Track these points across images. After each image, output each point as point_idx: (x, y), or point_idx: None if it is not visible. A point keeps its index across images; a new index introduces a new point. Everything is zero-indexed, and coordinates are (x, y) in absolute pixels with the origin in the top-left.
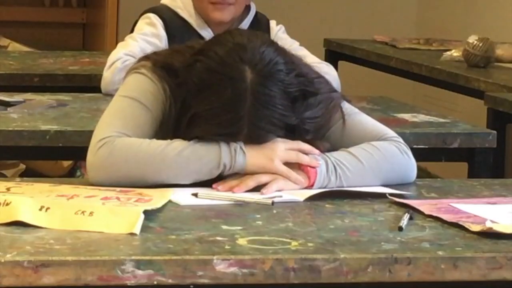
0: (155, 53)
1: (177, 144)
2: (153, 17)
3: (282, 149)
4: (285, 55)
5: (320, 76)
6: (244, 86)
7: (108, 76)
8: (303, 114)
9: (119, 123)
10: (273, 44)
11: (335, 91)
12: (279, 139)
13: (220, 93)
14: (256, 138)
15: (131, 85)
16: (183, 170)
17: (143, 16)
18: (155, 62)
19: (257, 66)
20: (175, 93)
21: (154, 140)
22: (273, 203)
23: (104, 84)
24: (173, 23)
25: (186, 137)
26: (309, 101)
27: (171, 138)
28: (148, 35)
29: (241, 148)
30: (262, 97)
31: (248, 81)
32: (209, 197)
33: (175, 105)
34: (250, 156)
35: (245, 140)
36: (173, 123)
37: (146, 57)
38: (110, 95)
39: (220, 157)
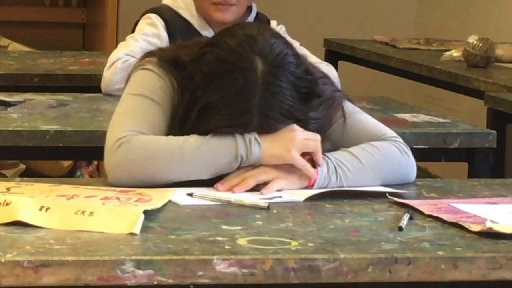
0: (160, 49)
1: (194, 140)
2: (154, 17)
3: (301, 138)
4: (293, 49)
5: (324, 76)
6: (255, 77)
7: (108, 76)
8: (307, 115)
9: (133, 121)
10: (282, 37)
11: (338, 91)
12: (297, 127)
13: (231, 83)
14: (267, 128)
15: (139, 82)
16: (202, 166)
17: (144, 16)
18: (161, 57)
19: (268, 57)
20: (183, 87)
21: (171, 137)
22: (268, 206)
23: (104, 84)
24: (175, 23)
25: (196, 130)
26: (312, 102)
27: (179, 133)
28: (149, 35)
29: (255, 139)
30: (273, 88)
31: (259, 72)
32: (204, 198)
33: (182, 99)
34: (265, 146)
35: (255, 130)
36: (180, 117)
37: (151, 53)
38: (110, 95)
39: (237, 149)
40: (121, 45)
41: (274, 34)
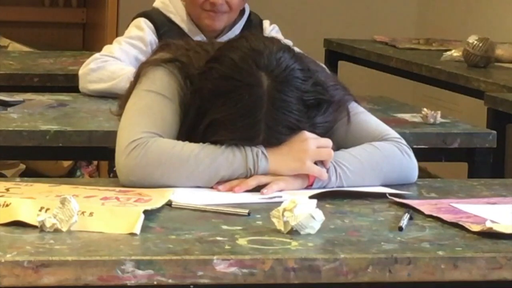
0: (171, 46)
1: (210, 151)
2: (142, 22)
3: (314, 148)
4: (301, 62)
5: (337, 83)
6: (261, 92)
7: (80, 74)
8: (314, 120)
9: (148, 121)
10: (290, 50)
11: (349, 94)
12: (308, 135)
13: (236, 99)
14: (273, 141)
15: (152, 78)
16: (215, 177)
17: (134, 21)
18: (171, 59)
19: (274, 72)
20: (190, 98)
21: (187, 144)
22: (249, 213)
23: (80, 82)
24: (165, 27)
25: (204, 141)
26: (322, 108)
27: (186, 138)
28: (133, 38)
29: (262, 152)
30: (279, 103)
31: (265, 87)
32: (183, 207)
33: (190, 110)
34: (277, 160)
35: (262, 143)
36: (188, 127)
37: (163, 48)
38: (111, 97)
39: (246, 162)
40: (105, 48)
41: (280, 48)
